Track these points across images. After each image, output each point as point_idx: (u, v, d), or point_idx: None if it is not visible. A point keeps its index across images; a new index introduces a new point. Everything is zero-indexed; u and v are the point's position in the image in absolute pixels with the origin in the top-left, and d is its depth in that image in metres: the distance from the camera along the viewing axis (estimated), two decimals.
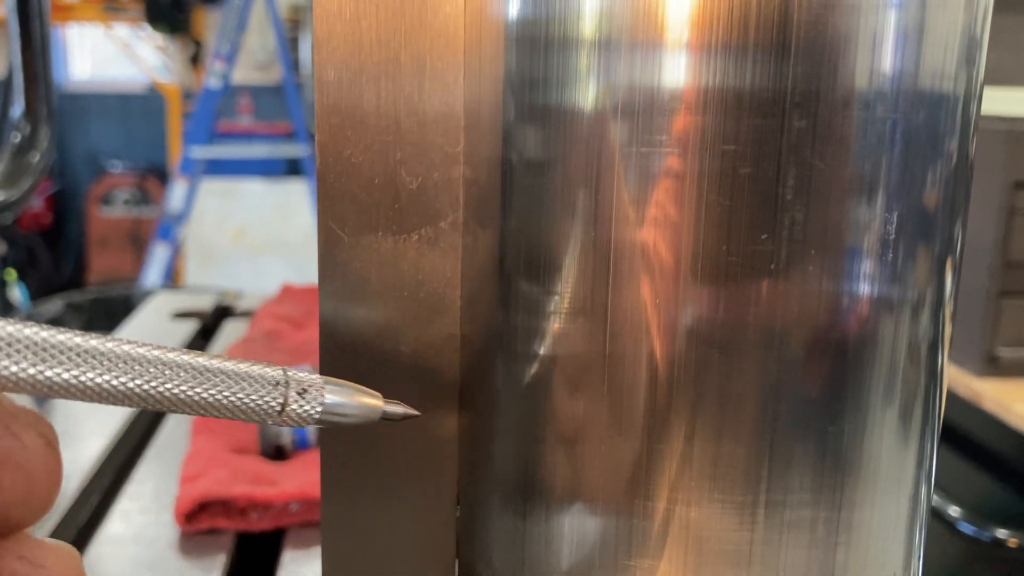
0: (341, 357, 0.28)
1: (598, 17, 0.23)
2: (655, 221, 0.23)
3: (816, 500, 0.25)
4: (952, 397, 1.10)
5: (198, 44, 4.10)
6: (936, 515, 0.91)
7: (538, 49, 0.24)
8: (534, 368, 0.26)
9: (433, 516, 0.29)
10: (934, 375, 0.26)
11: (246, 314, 1.02)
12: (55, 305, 2.78)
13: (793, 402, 0.24)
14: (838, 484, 0.25)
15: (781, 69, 0.21)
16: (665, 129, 0.22)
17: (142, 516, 0.56)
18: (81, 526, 0.57)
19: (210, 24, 3.89)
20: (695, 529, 0.25)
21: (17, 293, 2.50)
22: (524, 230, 0.25)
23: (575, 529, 0.26)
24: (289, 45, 3.87)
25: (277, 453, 0.62)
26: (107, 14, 3.84)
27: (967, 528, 1.02)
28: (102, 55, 4.67)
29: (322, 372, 0.28)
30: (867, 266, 0.24)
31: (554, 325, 0.25)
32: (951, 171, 0.24)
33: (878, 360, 0.24)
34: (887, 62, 0.22)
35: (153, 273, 3.36)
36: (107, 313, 2.87)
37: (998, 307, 1.10)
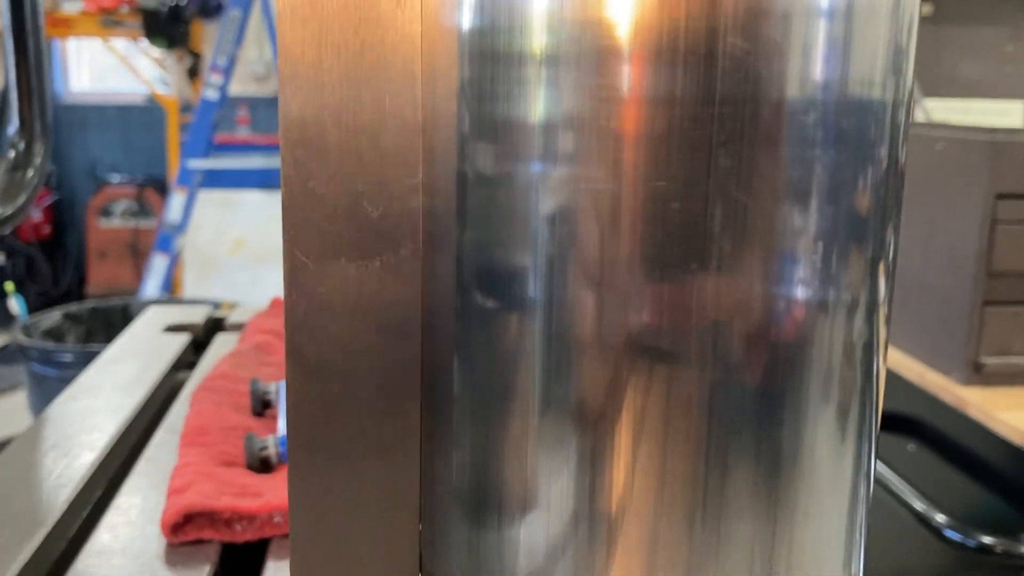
0: (307, 380, 0.29)
1: (544, 34, 0.24)
2: (598, 237, 0.24)
3: (755, 503, 0.26)
4: (938, 405, 1.11)
5: (196, 56, 4.12)
6: (922, 522, 0.93)
7: (487, 64, 0.25)
8: (489, 378, 0.27)
9: (397, 531, 0.31)
10: (870, 377, 0.28)
11: (237, 327, 1.04)
12: (54, 316, 2.80)
13: (732, 410, 0.25)
14: (777, 484, 0.26)
15: (711, 78, 0.23)
16: (609, 142, 0.24)
17: (129, 528, 0.57)
18: (70, 538, 0.59)
19: (208, 37, 3.91)
20: (643, 540, 0.26)
21: (15, 305, 2.51)
22: (478, 241, 0.26)
23: (528, 539, 0.27)
24: None
25: (263, 465, 0.64)
26: (105, 28, 3.86)
27: (953, 535, 1.03)
28: (100, 67, 4.70)
29: (289, 394, 0.30)
30: (800, 275, 0.25)
31: (508, 336, 0.26)
32: (881, 177, 0.26)
33: (814, 362, 0.26)
34: (816, 72, 0.23)
35: (152, 284, 3.38)
36: (106, 324, 2.89)
37: (982, 316, 1.11)
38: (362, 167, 0.28)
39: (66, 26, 3.91)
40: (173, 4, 3.49)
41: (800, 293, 0.25)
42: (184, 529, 0.55)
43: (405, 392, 0.30)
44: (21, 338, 2.47)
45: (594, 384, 0.25)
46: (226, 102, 3.56)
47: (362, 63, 0.28)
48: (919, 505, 0.91)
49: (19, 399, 2.58)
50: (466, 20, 0.26)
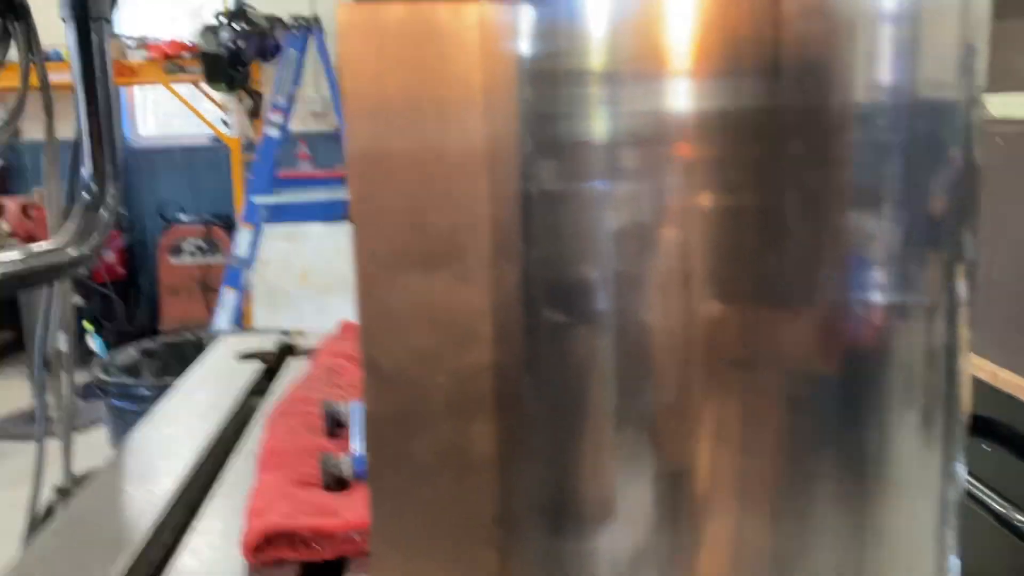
0: (381, 388, 0.30)
1: (604, 52, 0.24)
2: (670, 246, 0.24)
3: (842, 508, 0.26)
4: (1013, 404, 1.08)
5: (258, 96, 4.22)
6: (1003, 523, 0.89)
7: (549, 84, 0.26)
8: (562, 388, 0.27)
9: (473, 537, 0.31)
10: (953, 379, 0.27)
11: (308, 352, 1.05)
12: (130, 353, 2.88)
13: (813, 413, 0.25)
14: (863, 490, 0.26)
15: (775, 92, 0.23)
16: (671, 158, 0.24)
17: (211, 551, 0.59)
18: (154, 563, 0.60)
19: (267, 77, 4.01)
20: (728, 541, 0.26)
21: (94, 343, 2.59)
22: (546, 258, 0.27)
23: (611, 545, 0.27)
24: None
25: (339, 485, 0.64)
26: (168, 74, 3.99)
27: None
28: (166, 111, 4.84)
29: (366, 404, 0.30)
30: (876, 277, 0.25)
31: (579, 349, 0.26)
32: (956, 177, 0.25)
33: (894, 367, 0.25)
34: (883, 76, 0.23)
35: (223, 318, 3.45)
36: (180, 358, 2.96)
37: None
38: (427, 177, 0.29)
39: (132, 74, 4.05)
40: (233, 48, 3.59)
41: (876, 294, 0.24)
42: (265, 550, 0.56)
43: (478, 397, 0.30)
44: (100, 375, 2.54)
45: (673, 389, 0.25)
46: (287, 139, 3.63)
47: (423, 74, 0.28)
48: (998, 507, 0.88)
49: (100, 434, 2.66)
50: (525, 40, 0.26)
